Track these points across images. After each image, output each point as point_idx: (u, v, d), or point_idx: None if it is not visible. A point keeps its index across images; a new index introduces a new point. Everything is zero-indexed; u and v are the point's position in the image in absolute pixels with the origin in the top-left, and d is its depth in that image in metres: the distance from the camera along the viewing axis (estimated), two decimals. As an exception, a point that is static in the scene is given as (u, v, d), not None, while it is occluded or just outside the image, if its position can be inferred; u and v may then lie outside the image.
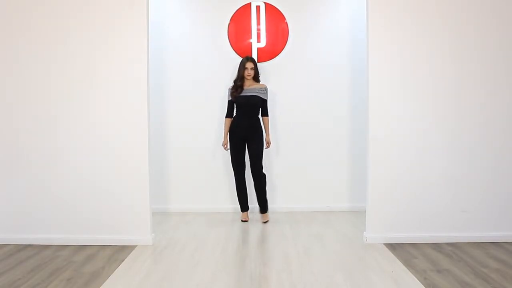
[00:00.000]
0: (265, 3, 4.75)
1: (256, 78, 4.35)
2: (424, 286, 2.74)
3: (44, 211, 3.63)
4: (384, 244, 3.57)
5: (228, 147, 4.37)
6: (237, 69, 4.34)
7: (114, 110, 3.58)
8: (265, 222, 4.34)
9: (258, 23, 4.75)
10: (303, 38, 4.78)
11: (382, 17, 3.56)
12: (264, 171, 4.36)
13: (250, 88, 4.29)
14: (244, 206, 4.50)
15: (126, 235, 3.60)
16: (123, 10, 3.55)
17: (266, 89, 4.36)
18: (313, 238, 3.83)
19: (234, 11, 4.76)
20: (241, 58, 4.38)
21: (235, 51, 4.74)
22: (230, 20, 4.77)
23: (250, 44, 4.78)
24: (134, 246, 3.54)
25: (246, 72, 4.27)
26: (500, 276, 2.88)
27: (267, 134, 4.44)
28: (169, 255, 3.39)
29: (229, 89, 4.36)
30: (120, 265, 3.15)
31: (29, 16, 3.58)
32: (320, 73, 4.77)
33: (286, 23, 4.77)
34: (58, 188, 3.62)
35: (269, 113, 4.45)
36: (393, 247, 3.49)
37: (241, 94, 4.26)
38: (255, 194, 4.41)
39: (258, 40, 4.76)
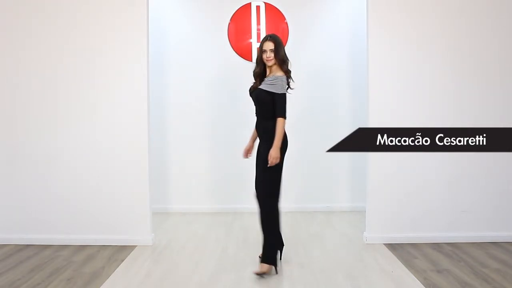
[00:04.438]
0: (265, 3, 4.75)
1: (282, 62, 3.06)
2: (424, 286, 2.74)
3: (44, 211, 3.63)
4: (384, 244, 3.57)
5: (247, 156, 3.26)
6: None
7: (115, 110, 3.59)
8: (258, 274, 2.95)
9: (258, 23, 4.75)
10: (303, 38, 4.77)
11: (382, 17, 3.57)
12: (268, 204, 2.99)
13: (266, 79, 3.10)
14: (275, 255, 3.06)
15: (126, 235, 3.60)
16: (123, 11, 3.56)
17: (277, 78, 3.00)
18: (313, 238, 3.83)
19: (234, 11, 4.75)
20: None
21: (235, 51, 4.74)
22: (230, 20, 4.77)
23: (250, 44, 4.77)
24: (134, 246, 3.54)
25: (264, 56, 3.06)
26: (500, 276, 2.88)
27: (274, 145, 2.94)
28: (169, 255, 3.39)
29: None
30: (120, 265, 3.15)
31: (30, 17, 3.58)
32: (320, 73, 4.77)
33: (286, 23, 4.77)
34: (58, 188, 3.63)
35: (283, 114, 3.00)
36: (393, 247, 3.49)
37: (259, 87, 3.07)
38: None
39: (258, 40, 4.75)
